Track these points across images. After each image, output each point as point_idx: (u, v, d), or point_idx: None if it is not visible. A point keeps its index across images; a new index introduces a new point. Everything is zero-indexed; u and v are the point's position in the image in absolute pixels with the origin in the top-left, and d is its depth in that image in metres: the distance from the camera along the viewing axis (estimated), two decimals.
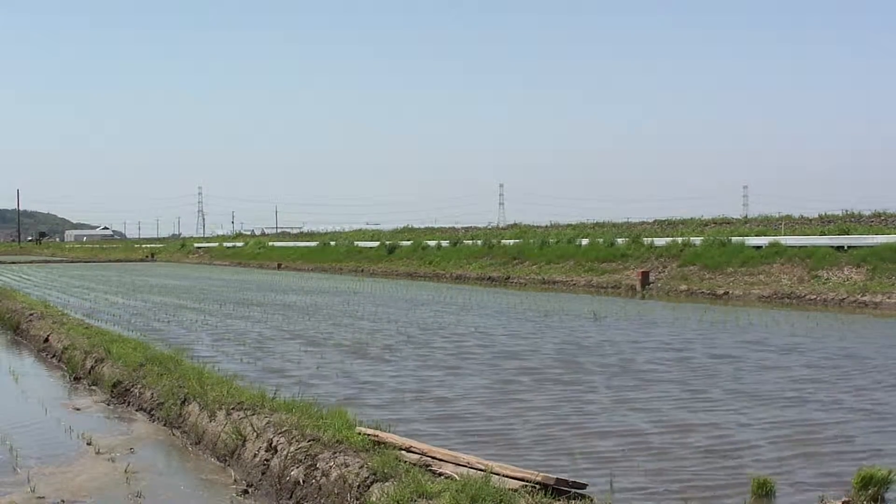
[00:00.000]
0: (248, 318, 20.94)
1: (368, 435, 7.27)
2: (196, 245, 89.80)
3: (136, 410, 10.73)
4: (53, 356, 15.45)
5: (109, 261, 78.10)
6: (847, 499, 6.42)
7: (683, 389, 11.15)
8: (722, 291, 29.49)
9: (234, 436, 8.30)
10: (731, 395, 10.75)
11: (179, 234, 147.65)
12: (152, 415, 10.32)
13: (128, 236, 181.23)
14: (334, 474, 6.72)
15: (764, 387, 11.34)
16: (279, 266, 59.91)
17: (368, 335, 17.08)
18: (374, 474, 6.37)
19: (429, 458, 6.65)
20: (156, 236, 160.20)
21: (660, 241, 36.95)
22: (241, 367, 12.92)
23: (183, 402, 9.80)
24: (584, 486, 6.13)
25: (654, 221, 51.12)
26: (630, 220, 54.25)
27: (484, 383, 11.63)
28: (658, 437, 8.60)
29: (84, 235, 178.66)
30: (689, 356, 14.22)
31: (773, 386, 11.42)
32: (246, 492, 7.46)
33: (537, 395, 10.81)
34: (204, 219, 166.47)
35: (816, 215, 42.23)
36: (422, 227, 74.77)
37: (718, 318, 20.78)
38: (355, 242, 60.72)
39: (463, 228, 67.42)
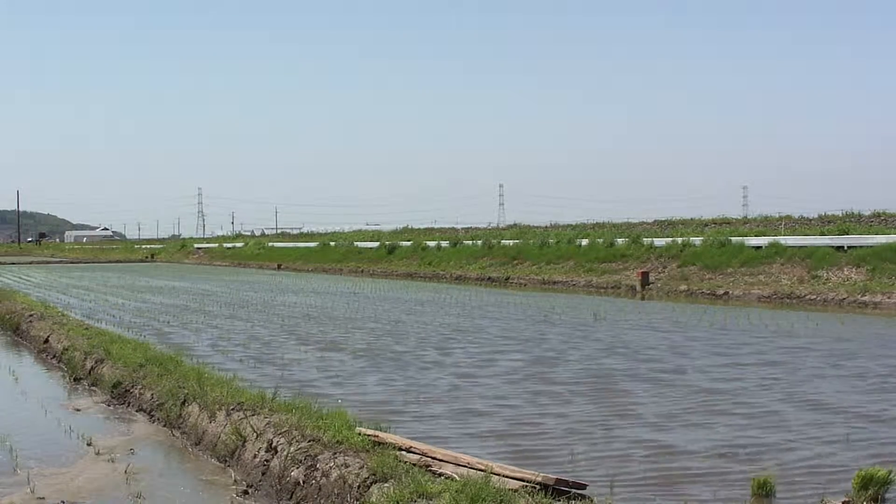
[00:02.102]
0: (248, 319, 20.91)
1: (368, 435, 7.26)
2: (196, 246, 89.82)
3: (136, 411, 10.73)
4: (53, 357, 15.45)
5: (109, 261, 78.08)
6: (847, 499, 6.41)
7: (753, 407, 10.00)
8: (722, 291, 29.49)
9: (234, 436, 8.29)
10: (802, 408, 9.87)
11: (179, 235, 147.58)
12: (152, 415, 10.32)
13: (128, 237, 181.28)
14: (334, 475, 6.72)
15: (836, 396, 10.57)
16: (279, 267, 59.90)
17: (390, 339, 16.47)
18: (374, 475, 6.37)
19: (429, 459, 6.64)
20: (156, 237, 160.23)
21: (659, 242, 36.97)
22: (250, 374, 12.87)
23: (183, 403, 9.80)
24: (584, 486, 6.12)
25: (654, 221, 51.14)
26: (630, 220, 54.35)
27: (525, 394, 10.78)
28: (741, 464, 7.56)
29: (84, 236, 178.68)
30: (741, 362, 13.46)
31: (849, 396, 10.59)
32: (246, 492, 7.45)
33: (587, 407, 9.97)
34: (204, 219, 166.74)
35: (816, 215, 42.28)
36: (422, 227, 74.79)
37: (756, 321, 19.91)
38: (355, 243, 60.74)
39: (463, 229, 67.48)
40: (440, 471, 6.40)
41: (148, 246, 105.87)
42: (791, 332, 17.74)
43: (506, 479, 6.02)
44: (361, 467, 6.56)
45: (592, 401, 10.40)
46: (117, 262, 77.71)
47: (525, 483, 5.96)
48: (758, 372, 12.51)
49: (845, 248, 29.80)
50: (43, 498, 7.24)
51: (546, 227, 57.41)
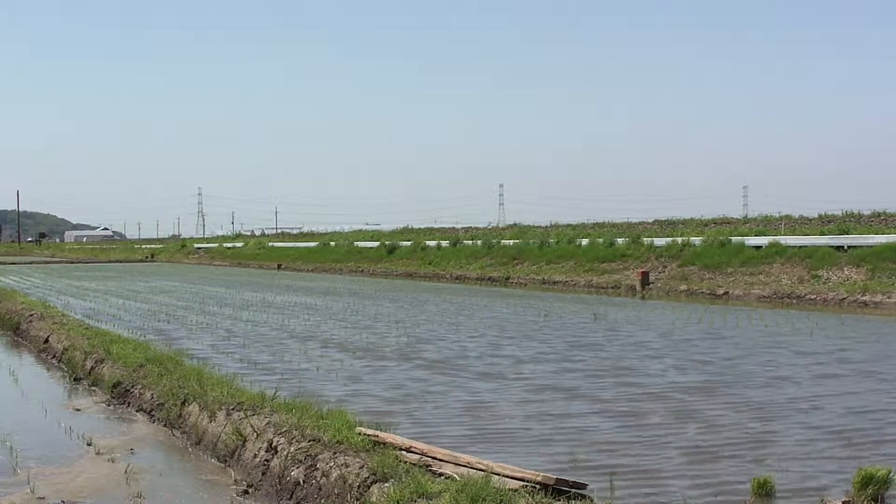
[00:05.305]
0: (250, 320, 20.90)
1: (368, 435, 7.26)
2: (196, 245, 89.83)
3: (137, 411, 10.73)
4: (53, 357, 15.45)
5: (109, 261, 78.08)
6: (847, 499, 6.41)
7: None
8: (722, 291, 29.48)
9: (234, 436, 8.29)
10: None
11: (179, 235, 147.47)
12: (152, 415, 10.32)
13: (128, 237, 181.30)
14: (334, 474, 6.72)
15: None
16: (279, 266, 59.89)
17: (417, 344, 15.52)
18: (374, 474, 6.37)
19: (429, 459, 6.64)
20: (156, 237, 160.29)
21: (660, 241, 36.99)
22: (251, 375, 12.87)
23: (183, 403, 9.80)
24: (584, 486, 6.11)
25: (654, 221, 51.15)
26: (630, 220, 54.37)
27: (597, 408, 9.66)
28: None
29: (84, 236, 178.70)
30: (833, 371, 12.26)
31: None
32: (246, 492, 7.46)
33: (676, 428, 8.72)
34: (204, 219, 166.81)
35: (816, 215, 42.29)
36: (422, 227, 74.76)
37: (799, 323, 19.00)
38: (355, 243, 60.78)
39: (463, 229, 67.44)
40: (440, 471, 6.40)
41: (148, 246, 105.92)
42: (854, 337, 16.64)
43: (506, 478, 6.02)
44: (361, 467, 6.56)
45: (679, 418, 9.04)
46: (117, 261, 77.72)
47: (525, 483, 5.95)
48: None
49: (845, 247, 29.81)
50: (43, 498, 7.24)
51: (546, 227, 57.38)
